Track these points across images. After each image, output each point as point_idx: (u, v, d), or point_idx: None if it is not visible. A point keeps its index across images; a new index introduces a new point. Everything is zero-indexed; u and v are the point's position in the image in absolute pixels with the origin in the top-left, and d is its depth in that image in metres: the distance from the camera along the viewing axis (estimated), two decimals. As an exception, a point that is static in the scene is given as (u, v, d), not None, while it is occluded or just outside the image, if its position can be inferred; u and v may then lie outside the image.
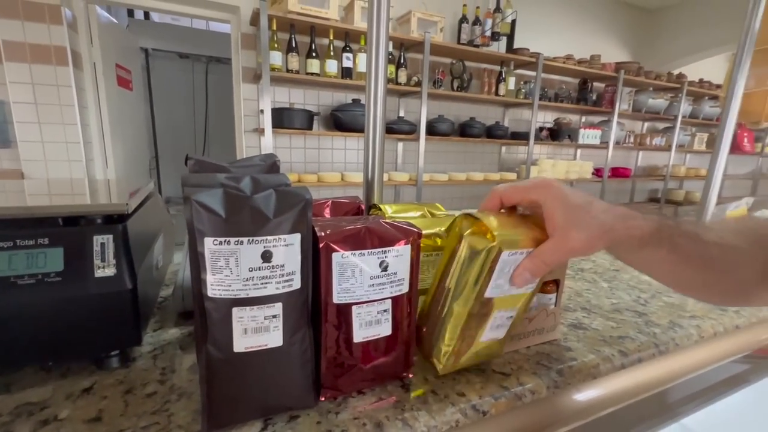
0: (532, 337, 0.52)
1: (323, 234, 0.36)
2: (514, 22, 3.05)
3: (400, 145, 3.08)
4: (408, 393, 0.42)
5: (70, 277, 0.38)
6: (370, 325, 0.39)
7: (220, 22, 2.68)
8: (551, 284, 0.53)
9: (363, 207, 0.57)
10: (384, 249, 0.38)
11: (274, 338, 0.35)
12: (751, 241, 0.37)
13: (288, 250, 0.34)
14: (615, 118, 3.62)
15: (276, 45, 2.30)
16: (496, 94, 3.11)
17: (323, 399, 0.40)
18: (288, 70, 2.35)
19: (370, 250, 0.37)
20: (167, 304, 0.61)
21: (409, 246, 0.39)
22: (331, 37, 2.45)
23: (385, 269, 0.38)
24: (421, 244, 0.42)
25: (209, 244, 0.32)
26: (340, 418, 0.38)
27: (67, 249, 0.38)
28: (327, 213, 0.55)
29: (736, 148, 4.72)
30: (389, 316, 0.40)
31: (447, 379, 0.45)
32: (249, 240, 0.32)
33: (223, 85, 4.23)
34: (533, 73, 3.17)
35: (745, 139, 4.77)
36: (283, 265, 0.34)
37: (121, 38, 2.78)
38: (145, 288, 0.45)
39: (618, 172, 4.01)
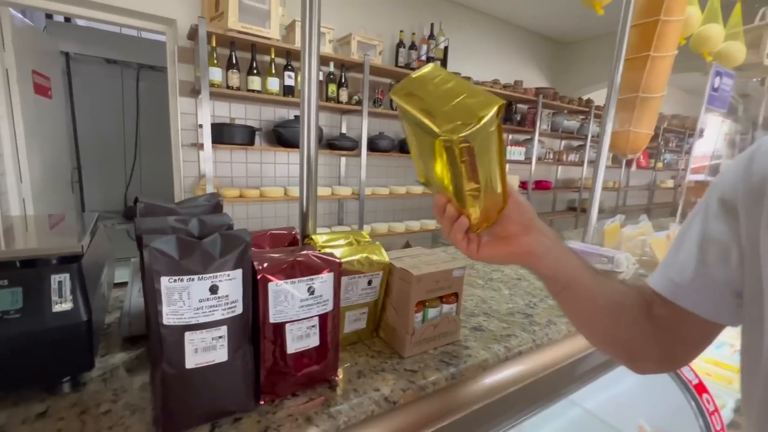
0: (438, 339, 0.64)
1: (260, 267, 0.45)
2: (446, 48, 3.32)
3: (343, 160, 3.19)
4: (334, 392, 0.52)
5: (29, 313, 0.43)
6: (301, 338, 0.49)
7: (154, 33, 2.60)
8: (452, 296, 0.66)
9: (298, 237, 0.66)
10: (311, 277, 0.48)
11: (220, 355, 0.43)
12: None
13: (232, 282, 0.43)
14: (536, 137, 4.05)
15: (216, 61, 2.30)
16: (432, 113, 3.34)
17: (263, 402, 0.48)
18: (228, 87, 2.36)
19: (299, 279, 0.47)
20: (112, 330, 0.65)
21: (332, 273, 0.49)
22: (273, 56, 2.49)
23: (312, 293, 0.48)
24: (345, 270, 0.52)
25: (165, 282, 0.39)
26: (277, 416, 0.47)
27: (26, 288, 0.43)
28: (267, 244, 0.63)
29: (633, 163, 5.49)
30: (317, 330, 0.50)
31: (367, 378, 0.55)
32: (199, 277, 0.40)
33: (157, 94, 4.05)
34: (465, 96, 3.46)
35: (641, 157, 5.57)
36: (227, 295, 0.42)
37: (39, 42, 2.58)
38: (96, 316, 0.51)
39: (541, 185, 4.47)
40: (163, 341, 0.40)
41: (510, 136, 4.41)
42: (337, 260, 0.50)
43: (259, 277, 0.45)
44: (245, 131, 2.49)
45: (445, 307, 0.65)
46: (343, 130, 3.09)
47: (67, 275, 0.45)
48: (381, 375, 0.56)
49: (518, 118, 4.13)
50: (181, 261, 0.40)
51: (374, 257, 0.62)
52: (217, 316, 0.42)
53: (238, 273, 0.43)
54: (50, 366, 0.45)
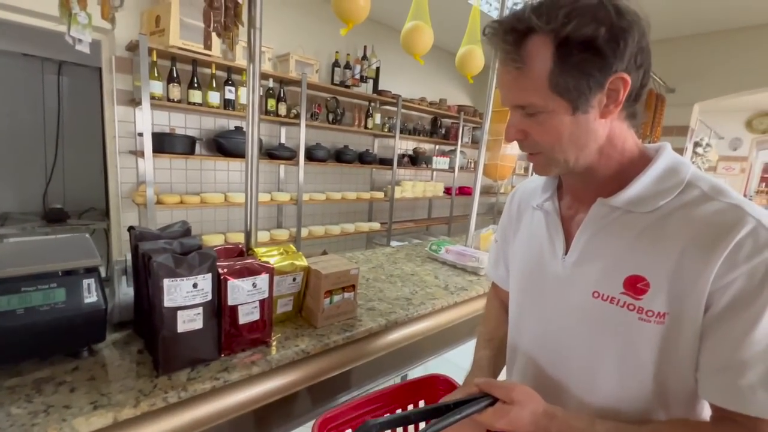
0: (340, 316, 0.98)
1: (223, 271, 0.75)
2: (378, 68, 3.69)
3: (282, 168, 3.41)
4: (269, 348, 0.83)
5: (70, 304, 0.68)
6: (248, 315, 0.79)
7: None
8: (351, 287, 1.00)
9: (244, 250, 0.96)
10: (254, 277, 0.79)
11: (198, 324, 0.72)
12: None
13: (206, 281, 0.72)
14: (459, 148, 4.60)
15: (157, 74, 2.42)
16: (365, 126, 3.70)
17: (224, 355, 0.78)
18: (169, 99, 2.48)
19: (246, 278, 0.77)
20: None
21: (267, 275, 0.80)
22: (213, 71, 2.66)
23: (255, 286, 0.79)
24: (277, 270, 0.83)
25: (167, 282, 0.68)
26: (233, 362, 0.77)
27: (67, 288, 0.68)
28: (223, 254, 0.91)
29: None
30: (258, 310, 0.80)
31: (291, 338, 0.87)
32: (186, 278, 0.69)
33: (82, 91, 3.91)
34: (396, 109, 3.86)
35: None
36: (203, 289, 0.72)
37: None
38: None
39: (463, 191, 5.05)
40: (164, 316, 0.68)
41: (436, 148, 4.92)
42: (271, 266, 0.82)
43: (221, 277, 0.74)
44: (186, 141, 2.62)
45: (346, 295, 0.99)
46: (282, 141, 3.32)
47: (93, 279, 0.71)
48: (300, 338, 0.88)
49: (443, 132, 4.65)
50: (176, 269, 0.68)
51: (297, 263, 0.93)
52: (197, 301, 0.71)
53: (209, 275, 0.72)
54: (80, 338, 0.71)
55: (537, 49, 0.51)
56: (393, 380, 1.14)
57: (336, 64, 3.43)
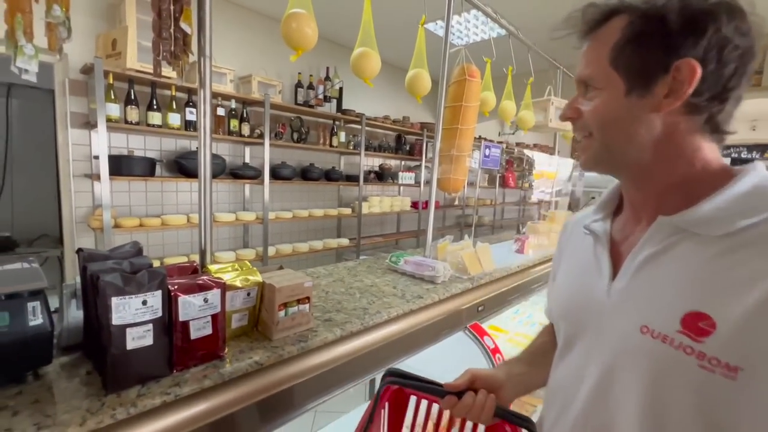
0: (296, 327, 1.01)
1: (173, 288, 0.77)
2: (341, 88, 3.80)
3: (247, 187, 3.41)
4: (223, 361, 0.85)
5: (14, 327, 0.68)
6: (200, 329, 0.81)
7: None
8: (305, 299, 1.04)
9: (198, 267, 0.98)
10: (205, 292, 0.81)
11: (148, 341, 0.74)
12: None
13: (155, 298, 0.74)
14: (423, 163, 4.75)
15: (113, 97, 2.39)
16: (330, 145, 3.77)
17: (176, 370, 0.79)
18: (127, 122, 2.46)
19: (197, 294, 0.80)
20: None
21: (218, 290, 0.83)
22: (173, 93, 2.66)
23: (206, 301, 0.81)
24: (229, 285, 0.86)
25: (115, 300, 0.69)
26: (185, 377, 0.78)
27: (11, 312, 0.69)
28: (176, 272, 0.93)
29: (507, 185, 6.64)
30: (210, 324, 0.83)
31: (245, 351, 0.89)
32: (134, 296, 0.71)
33: (32, 114, 3.77)
34: (360, 128, 3.96)
35: (510, 179, 6.77)
36: (152, 306, 0.74)
37: None
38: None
39: (430, 205, 5.20)
40: (113, 334, 0.70)
41: (402, 163, 5.06)
42: (223, 282, 0.85)
43: (172, 294, 0.77)
44: (145, 163, 2.59)
45: (301, 307, 1.02)
46: (247, 160, 3.33)
47: (38, 302, 0.71)
48: (255, 350, 0.91)
49: (408, 148, 4.80)
50: (125, 287, 0.70)
51: (251, 278, 0.97)
52: (146, 317, 0.73)
53: (159, 292, 0.75)
54: (25, 361, 0.71)
55: (612, 25, 0.50)
56: (353, 389, 1.17)
57: (299, 84, 3.51)
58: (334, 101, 3.79)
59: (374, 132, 4.52)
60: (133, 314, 0.71)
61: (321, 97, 3.60)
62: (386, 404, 0.82)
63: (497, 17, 2.03)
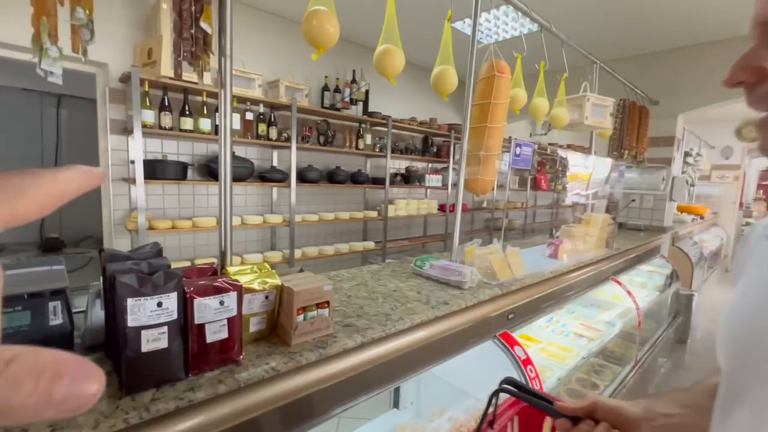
0: (315, 333, 0.98)
1: (189, 290, 0.76)
2: (367, 91, 3.79)
3: (275, 190, 3.45)
4: (239, 366, 0.83)
5: (35, 327, 0.69)
6: (215, 333, 0.79)
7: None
8: (325, 303, 1.00)
9: (217, 269, 0.97)
10: (222, 295, 0.79)
11: (163, 343, 0.72)
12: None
13: (170, 300, 0.73)
14: (451, 165, 4.65)
15: (149, 104, 2.49)
16: (356, 147, 3.77)
17: (191, 374, 0.78)
18: (161, 127, 2.55)
19: (213, 296, 0.78)
20: (78, 342, 0.89)
21: (235, 293, 0.81)
22: (205, 98, 2.74)
23: (222, 304, 0.79)
24: (247, 288, 0.84)
25: (130, 301, 0.69)
26: (199, 381, 0.76)
27: (32, 311, 0.69)
28: (195, 274, 0.92)
29: (539, 187, 6.41)
30: (226, 328, 0.81)
31: (262, 356, 0.87)
32: (150, 297, 0.70)
33: (80, 123, 4.01)
34: (386, 130, 3.93)
35: (542, 181, 6.52)
36: (168, 308, 0.72)
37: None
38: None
39: (458, 207, 5.08)
40: (128, 336, 0.69)
41: (429, 165, 4.98)
42: (239, 284, 0.83)
43: (188, 296, 0.75)
44: (177, 167, 2.67)
45: (320, 311, 0.99)
46: (274, 163, 3.37)
47: (59, 302, 0.72)
48: (272, 356, 0.88)
49: (435, 150, 4.72)
50: (140, 288, 0.69)
51: (270, 280, 0.94)
52: (161, 320, 0.72)
53: (175, 294, 0.73)
54: (45, 361, 0.71)
55: None
56: (375, 398, 1.13)
57: (326, 88, 3.53)
58: (360, 104, 3.78)
59: (400, 134, 4.48)
60: (148, 316, 0.70)
61: (347, 99, 3.61)
62: (515, 417, 0.79)
63: (528, 11, 1.93)
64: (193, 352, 0.77)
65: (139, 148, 2.37)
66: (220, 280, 0.81)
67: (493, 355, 1.53)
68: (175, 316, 0.74)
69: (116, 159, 2.65)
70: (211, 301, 0.78)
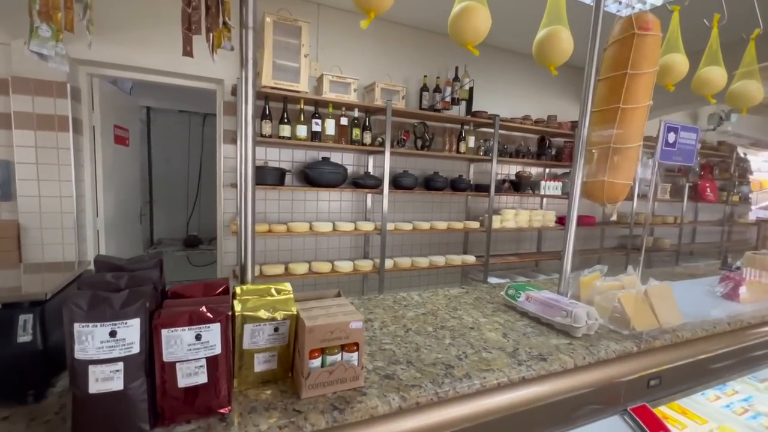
0: (335, 385, 0.72)
1: (156, 317, 0.59)
2: (471, 89, 3.42)
3: (369, 197, 3.35)
4: (222, 422, 0.62)
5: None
6: (190, 375, 0.60)
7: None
8: (353, 345, 0.74)
9: (228, 287, 0.79)
10: (199, 326, 0.60)
11: (117, 384, 0.56)
12: None
13: (129, 329, 0.56)
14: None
15: (251, 113, 2.63)
16: (458, 151, 3.42)
17: (158, 426, 0.60)
18: (262, 135, 2.67)
19: (187, 327, 0.60)
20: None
21: (217, 324, 0.61)
22: (302, 106, 2.78)
23: (198, 339, 0.60)
24: (249, 316, 0.64)
25: (77, 327, 0.54)
26: (164, 438, 0.58)
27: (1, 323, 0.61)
28: (200, 293, 0.77)
29: (702, 197, 4.98)
30: (205, 370, 0.61)
31: (255, 414, 0.65)
32: (99, 324, 0.55)
33: (214, 138, 4.64)
34: (492, 131, 3.48)
35: (708, 189, 5.04)
36: (124, 338, 0.56)
37: (122, 102, 3.15)
38: (59, 348, 0.67)
39: (582, 221, 4.23)
40: (74, 371, 0.54)
41: (546, 171, 4.29)
42: (224, 312, 0.62)
43: (153, 325, 0.58)
44: (275, 172, 2.76)
45: (345, 355, 0.73)
46: (369, 169, 3.27)
47: (31, 315, 0.62)
48: (269, 412, 0.66)
49: (553, 153, 4.03)
50: (88, 311, 0.54)
51: (280, 308, 0.73)
52: (115, 354, 0.56)
53: (136, 321, 0.57)
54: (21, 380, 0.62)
55: None
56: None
57: (424, 88, 3.30)
58: (463, 103, 3.43)
59: (510, 135, 3.95)
60: (98, 348, 0.55)
61: (448, 99, 3.31)
62: None
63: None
64: (162, 398, 0.60)
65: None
66: (202, 305, 0.62)
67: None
68: (135, 349, 0.57)
69: (227, 166, 2.89)
70: (184, 334, 0.59)
